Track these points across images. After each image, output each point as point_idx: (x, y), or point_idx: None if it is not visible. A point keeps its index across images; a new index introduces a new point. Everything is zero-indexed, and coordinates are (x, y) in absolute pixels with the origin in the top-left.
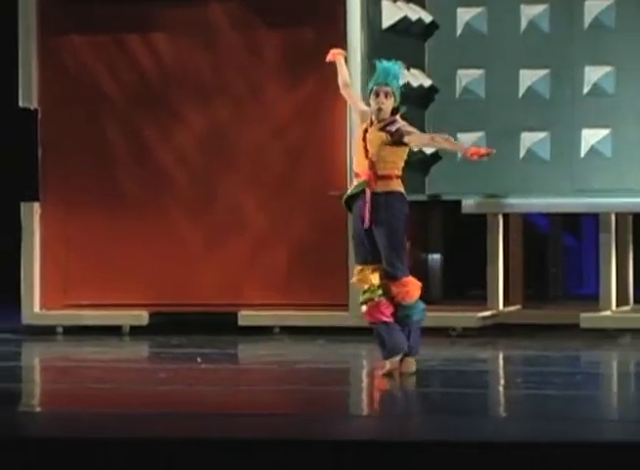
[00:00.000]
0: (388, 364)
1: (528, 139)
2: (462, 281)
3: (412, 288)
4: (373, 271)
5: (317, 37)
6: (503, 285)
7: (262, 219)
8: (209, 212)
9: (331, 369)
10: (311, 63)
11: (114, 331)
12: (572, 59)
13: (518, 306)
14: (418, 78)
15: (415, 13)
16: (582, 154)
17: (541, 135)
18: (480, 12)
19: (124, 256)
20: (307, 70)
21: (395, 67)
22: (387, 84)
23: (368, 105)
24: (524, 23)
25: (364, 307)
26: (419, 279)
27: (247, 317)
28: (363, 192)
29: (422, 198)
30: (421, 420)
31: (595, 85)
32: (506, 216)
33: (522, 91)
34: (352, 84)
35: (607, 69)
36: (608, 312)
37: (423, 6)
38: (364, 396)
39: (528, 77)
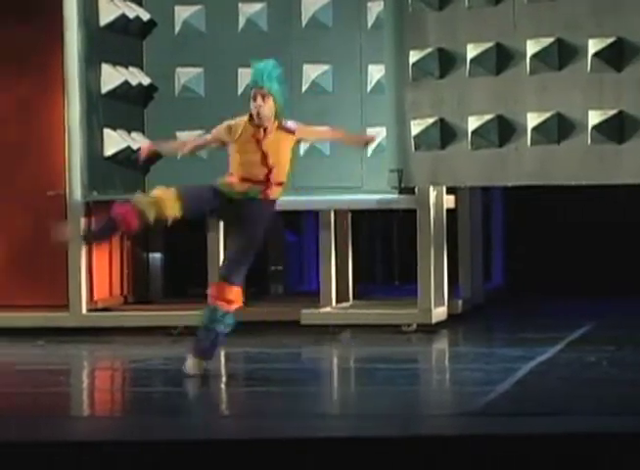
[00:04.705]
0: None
1: None
2: (183, 280)
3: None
4: None
5: (33, 36)
6: None
7: None
8: None
9: (52, 370)
10: (28, 62)
11: None
12: (291, 57)
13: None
14: (137, 77)
15: (132, 11)
16: (302, 152)
17: None
18: (199, 10)
19: None
20: (24, 68)
21: (269, 66)
22: (261, 87)
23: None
24: (242, 22)
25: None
26: (141, 278)
27: None
28: (250, 198)
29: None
30: (140, 420)
31: (313, 83)
32: None
33: (240, 89)
34: (70, 81)
35: (325, 67)
36: (328, 309)
37: (140, 4)
38: (85, 397)
39: (247, 76)
